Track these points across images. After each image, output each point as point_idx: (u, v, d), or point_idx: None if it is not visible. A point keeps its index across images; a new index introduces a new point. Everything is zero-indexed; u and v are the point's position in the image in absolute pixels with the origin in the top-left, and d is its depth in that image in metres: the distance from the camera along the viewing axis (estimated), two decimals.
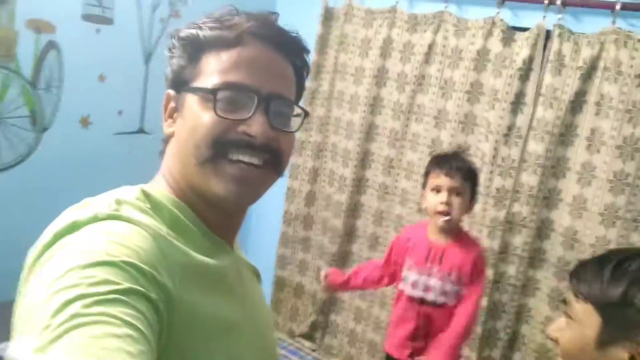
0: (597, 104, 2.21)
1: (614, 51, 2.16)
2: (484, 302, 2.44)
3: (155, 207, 0.72)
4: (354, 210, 2.91)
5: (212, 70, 0.75)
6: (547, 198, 2.38)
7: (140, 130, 2.57)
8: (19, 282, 0.63)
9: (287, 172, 3.03)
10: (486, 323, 2.48)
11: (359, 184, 2.88)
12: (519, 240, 2.42)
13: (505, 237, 2.43)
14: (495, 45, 2.41)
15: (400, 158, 2.74)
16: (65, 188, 2.03)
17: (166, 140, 0.81)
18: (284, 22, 0.82)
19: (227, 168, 0.73)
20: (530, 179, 2.36)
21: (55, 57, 2.20)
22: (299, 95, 0.85)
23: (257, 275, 0.95)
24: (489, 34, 2.42)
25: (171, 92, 0.80)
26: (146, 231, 0.65)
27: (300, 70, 0.83)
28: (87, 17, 2.27)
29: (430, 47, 2.58)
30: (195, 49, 0.77)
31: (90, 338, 0.50)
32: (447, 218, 1.88)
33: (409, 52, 2.65)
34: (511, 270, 2.44)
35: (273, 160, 0.76)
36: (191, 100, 0.75)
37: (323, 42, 2.91)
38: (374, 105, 2.78)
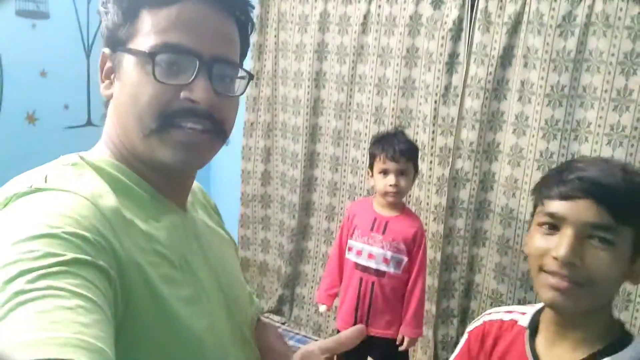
0: (524, 56, 2.32)
1: (535, 4, 2.27)
2: (438, 255, 2.56)
3: (94, 171, 0.68)
4: (308, 184, 2.99)
5: (150, 29, 0.68)
6: (487, 151, 2.49)
7: (89, 123, 2.59)
8: None
9: (239, 154, 3.11)
10: (442, 276, 2.59)
11: (311, 158, 2.95)
12: (465, 194, 2.53)
13: (452, 193, 2.54)
14: (426, 9, 2.50)
15: (348, 129, 2.82)
16: None
17: (106, 103, 0.77)
18: None
19: (173, 134, 0.69)
20: (469, 135, 2.47)
21: None
22: (243, 54, 0.79)
23: (234, 245, 0.94)
24: None
25: (107, 51, 0.73)
26: (84, 197, 0.61)
27: (244, 25, 0.78)
28: (21, 13, 2.27)
29: (366, 17, 2.66)
30: (130, 4, 0.70)
31: (38, 313, 0.47)
32: (396, 196, 2.04)
33: (346, 24, 2.73)
34: (460, 223, 2.55)
35: (215, 128, 0.72)
36: (128, 63, 0.70)
37: (262, 22, 2.96)
38: (318, 79, 2.85)
